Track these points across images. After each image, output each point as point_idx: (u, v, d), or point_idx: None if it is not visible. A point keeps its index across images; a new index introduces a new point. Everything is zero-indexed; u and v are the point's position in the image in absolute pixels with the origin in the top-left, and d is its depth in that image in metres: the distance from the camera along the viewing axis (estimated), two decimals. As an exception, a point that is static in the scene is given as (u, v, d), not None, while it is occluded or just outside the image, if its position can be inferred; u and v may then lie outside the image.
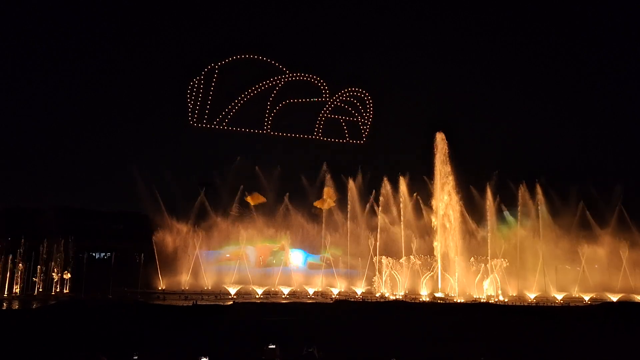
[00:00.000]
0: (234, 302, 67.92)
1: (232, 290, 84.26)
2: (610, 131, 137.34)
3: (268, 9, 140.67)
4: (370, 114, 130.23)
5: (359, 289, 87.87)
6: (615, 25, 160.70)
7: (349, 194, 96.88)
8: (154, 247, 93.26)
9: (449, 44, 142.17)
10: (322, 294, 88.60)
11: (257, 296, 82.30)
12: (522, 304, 76.28)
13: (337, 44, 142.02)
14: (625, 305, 76.83)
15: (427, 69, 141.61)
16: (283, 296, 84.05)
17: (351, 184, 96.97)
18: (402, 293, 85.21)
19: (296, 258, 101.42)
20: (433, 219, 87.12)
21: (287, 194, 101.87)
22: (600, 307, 69.01)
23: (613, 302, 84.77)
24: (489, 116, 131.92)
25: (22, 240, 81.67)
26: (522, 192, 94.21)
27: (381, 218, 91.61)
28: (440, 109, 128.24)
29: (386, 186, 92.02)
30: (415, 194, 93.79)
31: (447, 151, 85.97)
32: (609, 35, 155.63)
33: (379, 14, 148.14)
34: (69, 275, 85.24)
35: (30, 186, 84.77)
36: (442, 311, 62.50)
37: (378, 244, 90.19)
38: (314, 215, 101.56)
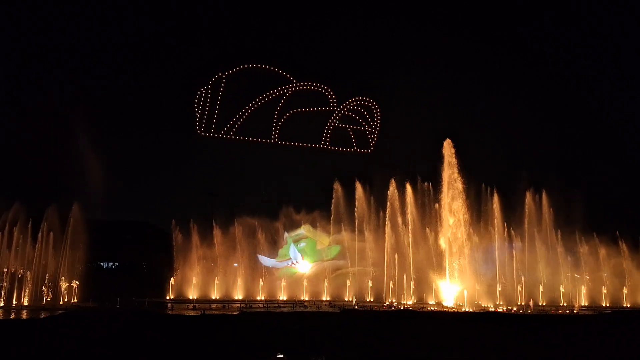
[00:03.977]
0: (241, 311, 67.75)
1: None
2: (615, 140, 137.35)
3: (275, 18, 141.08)
4: (377, 123, 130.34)
5: None
6: (625, 34, 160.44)
7: (356, 203, 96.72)
8: (173, 256, 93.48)
9: (456, 52, 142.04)
10: (330, 302, 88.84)
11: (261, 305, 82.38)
12: (530, 313, 75.63)
13: (345, 53, 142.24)
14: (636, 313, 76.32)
15: (434, 77, 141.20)
16: (290, 305, 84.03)
17: (359, 192, 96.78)
18: (411, 302, 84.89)
19: (303, 266, 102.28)
20: (440, 236, 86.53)
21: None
22: (612, 316, 68.42)
23: (624, 310, 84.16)
24: (497, 124, 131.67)
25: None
26: (529, 199, 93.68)
27: (389, 227, 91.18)
28: (448, 117, 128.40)
29: (393, 195, 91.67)
30: (424, 201, 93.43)
31: (454, 159, 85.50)
32: (619, 44, 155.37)
33: (386, 23, 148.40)
34: (77, 283, 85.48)
35: (36, 195, 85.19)
36: (451, 320, 62.15)
37: (387, 253, 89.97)
38: None
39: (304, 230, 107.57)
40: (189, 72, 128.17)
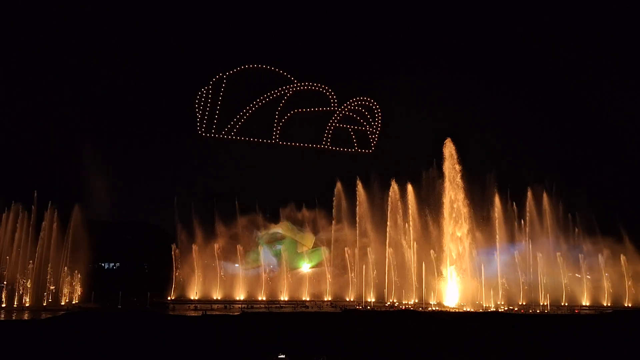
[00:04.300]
0: (242, 311, 67.78)
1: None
2: (615, 140, 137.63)
3: (275, 18, 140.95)
4: (378, 123, 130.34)
5: None
6: (625, 34, 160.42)
7: (357, 204, 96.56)
8: (173, 257, 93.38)
9: (456, 52, 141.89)
10: (332, 302, 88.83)
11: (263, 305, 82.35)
12: (531, 313, 75.64)
13: (345, 53, 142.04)
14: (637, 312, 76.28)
15: (434, 77, 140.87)
16: (292, 305, 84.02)
17: (360, 192, 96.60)
18: (412, 302, 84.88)
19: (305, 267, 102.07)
20: (442, 267, 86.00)
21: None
22: (613, 315, 68.41)
23: (625, 310, 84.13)
24: (497, 124, 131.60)
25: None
26: (530, 199, 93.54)
27: (390, 228, 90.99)
28: (448, 117, 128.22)
29: (394, 195, 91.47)
30: (425, 204, 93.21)
31: (456, 158, 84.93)
32: (619, 44, 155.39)
33: (386, 23, 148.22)
34: (78, 284, 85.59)
35: (37, 196, 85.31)
36: (452, 320, 62.23)
37: (388, 253, 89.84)
38: None
39: (281, 229, 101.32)
40: (189, 72, 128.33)
